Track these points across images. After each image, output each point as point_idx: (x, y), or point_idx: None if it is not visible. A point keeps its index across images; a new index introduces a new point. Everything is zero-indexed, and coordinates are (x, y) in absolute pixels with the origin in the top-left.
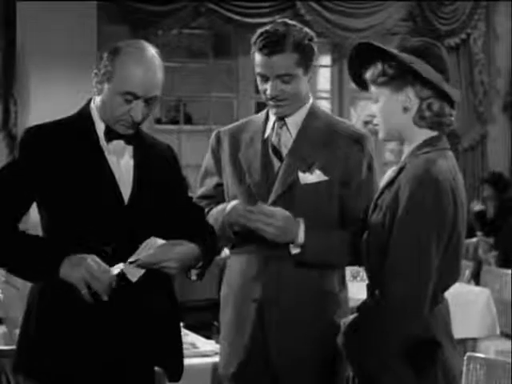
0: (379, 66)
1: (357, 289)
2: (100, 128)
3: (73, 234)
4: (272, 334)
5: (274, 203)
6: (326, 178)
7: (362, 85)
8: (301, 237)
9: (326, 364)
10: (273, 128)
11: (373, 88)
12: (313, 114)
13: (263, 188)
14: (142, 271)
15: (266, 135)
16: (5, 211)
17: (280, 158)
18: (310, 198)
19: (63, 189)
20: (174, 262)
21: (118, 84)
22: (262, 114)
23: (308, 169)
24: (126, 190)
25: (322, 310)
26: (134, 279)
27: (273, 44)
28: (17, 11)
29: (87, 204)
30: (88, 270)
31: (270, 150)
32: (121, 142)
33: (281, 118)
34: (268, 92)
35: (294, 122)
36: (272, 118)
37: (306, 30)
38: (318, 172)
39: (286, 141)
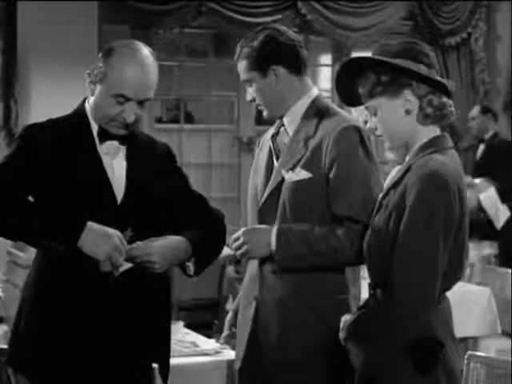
0: (372, 77)
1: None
2: (94, 128)
3: None
4: (264, 333)
5: (265, 203)
6: (309, 175)
7: (352, 102)
8: (272, 244)
9: (323, 371)
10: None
11: (368, 102)
12: (311, 110)
13: (264, 188)
14: (124, 267)
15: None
16: (8, 189)
17: (278, 158)
18: (296, 197)
19: (57, 187)
20: (155, 256)
21: (110, 86)
22: None
23: (293, 167)
24: (119, 191)
25: (318, 315)
26: (115, 273)
27: (236, 53)
28: (17, 11)
29: (80, 203)
30: (116, 248)
31: (273, 151)
32: (115, 143)
33: (280, 118)
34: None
35: (291, 120)
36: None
37: (271, 35)
38: (301, 170)
39: (286, 140)
